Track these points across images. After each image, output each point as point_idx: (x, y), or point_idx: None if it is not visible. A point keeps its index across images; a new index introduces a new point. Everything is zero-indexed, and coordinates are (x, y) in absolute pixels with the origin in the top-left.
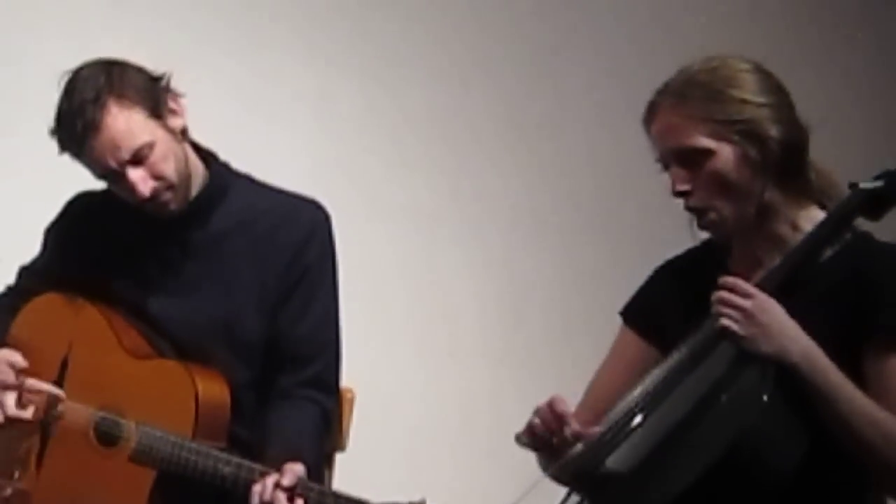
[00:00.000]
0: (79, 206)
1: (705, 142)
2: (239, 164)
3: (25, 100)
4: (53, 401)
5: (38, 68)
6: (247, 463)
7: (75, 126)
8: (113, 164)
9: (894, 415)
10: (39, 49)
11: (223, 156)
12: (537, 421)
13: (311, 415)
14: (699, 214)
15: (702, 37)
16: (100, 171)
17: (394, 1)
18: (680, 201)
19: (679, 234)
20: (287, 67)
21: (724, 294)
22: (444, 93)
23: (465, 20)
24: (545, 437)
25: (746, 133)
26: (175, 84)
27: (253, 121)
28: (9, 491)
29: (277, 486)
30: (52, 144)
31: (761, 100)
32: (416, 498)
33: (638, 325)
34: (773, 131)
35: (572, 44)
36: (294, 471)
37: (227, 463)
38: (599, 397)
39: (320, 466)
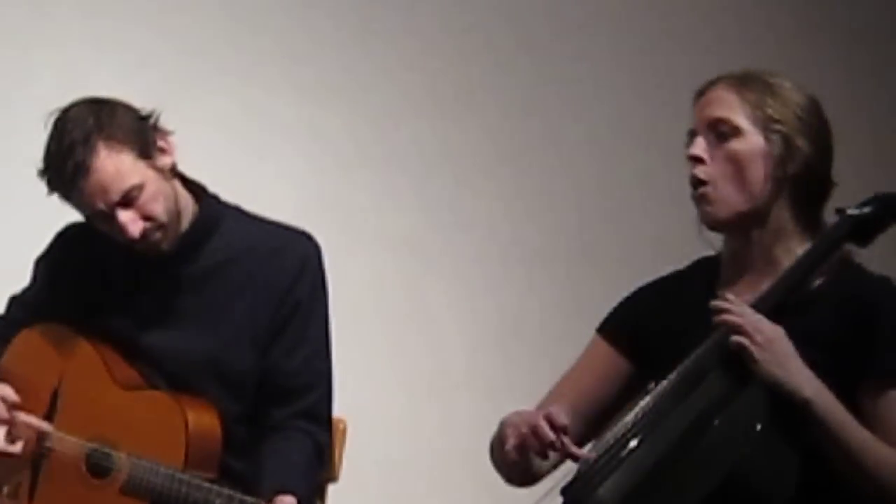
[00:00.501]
0: (69, 238)
1: (742, 121)
2: (227, 198)
3: (15, 138)
4: (44, 435)
5: (27, 107)
6: (238, 495)
7: (65, 168)
8: (102, 206)
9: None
10: (28, 89)
11: (211, 189)
12: (527, 431)
13: (304, 447)
14: (699, 185)
15: (690, 67)
16: (89, 212)
17: (380, 36)
18: (668, 237)
19: (666, 266)
20: (274, 102)
21: (739, 319)
22: (431, 126)
23: (450, 55)
24: (535, 449)
25: (781, 134)
26: (164, 119)
27: (240, 155)
28: None
29: None
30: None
31: (807, 118)
32: None
33: (613, 336)
34: (805, 147)
35: (558, 76)
36: (285, 503)
37: (219, 495)
38: (562, 400)
39: (312, 499)
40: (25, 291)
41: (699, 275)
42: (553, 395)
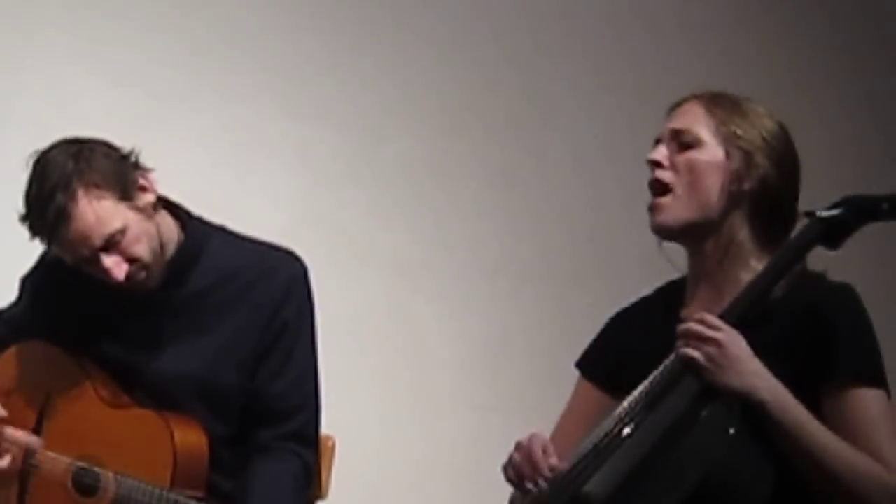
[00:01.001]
0: (55, 258)
1: (704, 133)
2: (215, 218)
3: (3, 157)
4: (31, 451)
5: (16, 127)
6: None
7: (46, 215)
8: (85, 252)
9: (857, 450)
10: (17, 108)
11: (199, 210)
12: (517, 455)
13: (292, 468)
14: (656, 191)
15: (677, 86)
16: (72, 258)
17: (370, 55)
18: (655, 255)
19: (653, 284)
20: (261, 120)
21: (693, 325)
22: (418, 145)
23: (441, 74)
24: (524, 471)
25: (742, 151)
26: (151, 138)
27: (227, 173)
28: None
29: None
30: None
31: (772, 141)
32: None
33: (594, 375)
34: (764, 167)
35: (545, 95)
36: None
37: None
38: (560, 448)
39: None
40: (10, 309)
41: (664, 298)
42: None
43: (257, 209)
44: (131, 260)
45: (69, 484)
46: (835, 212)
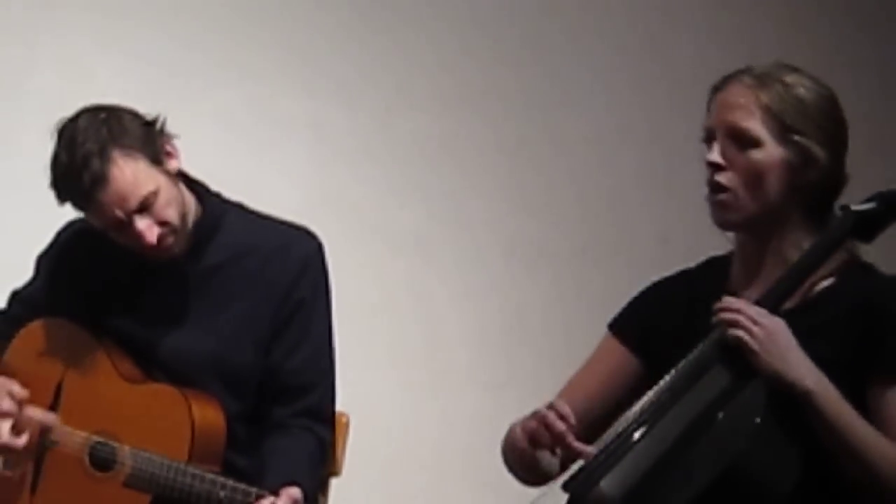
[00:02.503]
0: (71, 235)
1: (762, 132)
2: (231, 196)
3: (19, 132)
4: (47, 429)
5: (31, 102)
6: (242, 486)
7: (81, 180)
8: (121, 214)
9: None
10: (32, 83)
11: (215, 188)
12: (536, 423)
13: (307, 444)
14: (717, 191)
15: (692, 63)
16: (105, 222)
17: (385, 32)
18: (670, 232)
19: (668, 261)
20: (278, 98)
21: (738, 314)
22: (434, 123)
23: (455, 51)
24: (545, 440)
25: (800, 145)
26: (166, 116)
27: (243, 151)
28: None
29: None
30: (46, 171)
31: (825, 123)
32: None
33: (624, 335)
34: (824, 158)
35: (561, 72)
36: (290, 493)
37: (223, 487)
38: (573, 398)
39: (316, 496)
40: (26, 287)
41: (709, 275)
42: (564, 393)
43: (273, 187)
44: (162, 223)
45: (86, 459)
46: (869, 206)
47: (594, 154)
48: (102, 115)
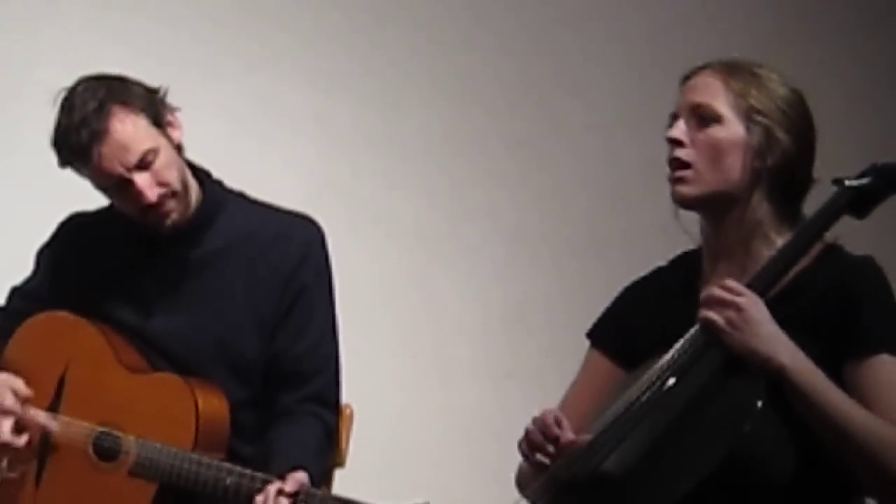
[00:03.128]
0: (72, 227)
1: (724, 109)
2: (233, 185)
3: (22, 124)
4: (48, 433)
5: (34, 93)
6: (249, 472)
7: (80, 136)
8: (120, 169)
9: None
10: (35, 74)
11: (217, 176)
12: (533, 428)
13: (314, 430)
14: (677, 167)
15: (695, 53)
16: (104, 180)
17: (387, 24)
18: (673, 223)
19: (672, 252)
20: (281, 89)
21: (716, 290)
22: (437, 114)
23: (457, 42)
24: (541, 445)
25: (762, 125)
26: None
27: (247, 142)
28: None
29: (280, 492)
30: (49, 165)
31: (790, 112)
32: (420, 500)
33: (606, 346)
34: (785, 140)
35: (565, 65)
36: (296, 478)
37: (230, 473)
38: (569, 419)
39: (322, 480)
40: (27, 282)
41: (681, 269)
42: None
43: (277, 178)
44: (162, 184)
45: (90, 450)
46: (863, 181)
47: (598, 144)
48: (104, 79)
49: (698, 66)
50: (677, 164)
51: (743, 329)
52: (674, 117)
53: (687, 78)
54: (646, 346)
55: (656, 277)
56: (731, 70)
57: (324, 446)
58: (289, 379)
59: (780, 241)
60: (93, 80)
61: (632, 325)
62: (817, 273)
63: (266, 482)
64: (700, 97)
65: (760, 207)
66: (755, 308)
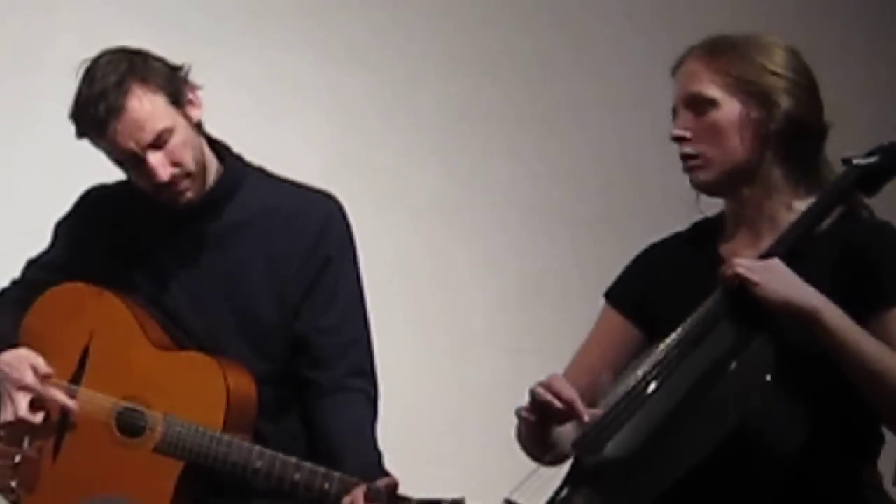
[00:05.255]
0: (91, 200)
1: (714, 91)
2: (250, 160)
3: (39, 98)
4: (67, 411)
5: (51, 68)
6: (281, 456)
7: (98, 109)
8: (134, 146)
9: None
10: (52, 49)
11: (235, 151)
12: (545, 393)
13: (366, 410)
14: (688, 160)
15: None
16: (118, 155)
17: None
18: (689, 197)
19: (687, 223)
20: (297, 64)
21: (736, 259)
22: (456, 88)
23: (475, 16)
24: (552, 405)
25: (756, 94)
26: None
27: (263, 117)
28: (17, 458)
29: (366, 498)
30: (67, 138)
31: (781, 71)
32: (457, 496)
33: (623, 305)
34: (783, 102)
35: (582, 38)
36: (389, 484)
37: (261, 455)
38: (579, 375)
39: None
40: (44, 254)
41: (701, 235)
42: (569, 370)
43: (292, 153)
44: (176, 163)
45: (112, 424)
46: (872, 159)
47: (613, 118)
48: (127, 54)
49: (682, 55)
50: (687, 157)
51: (773, 280)
52: (674, 112)
53: (675, 69)
54: (662, 307)
55: (675, 241)
56: (711, 49)
57: (375, 420)
58: (325, 352)
59: (798, 202)
60: (116, 54)
61: (648, 286)
62: (834, 235)
63: (296, 467)
64: (689, 86)
65: (774, 172)
66: (779, 264)
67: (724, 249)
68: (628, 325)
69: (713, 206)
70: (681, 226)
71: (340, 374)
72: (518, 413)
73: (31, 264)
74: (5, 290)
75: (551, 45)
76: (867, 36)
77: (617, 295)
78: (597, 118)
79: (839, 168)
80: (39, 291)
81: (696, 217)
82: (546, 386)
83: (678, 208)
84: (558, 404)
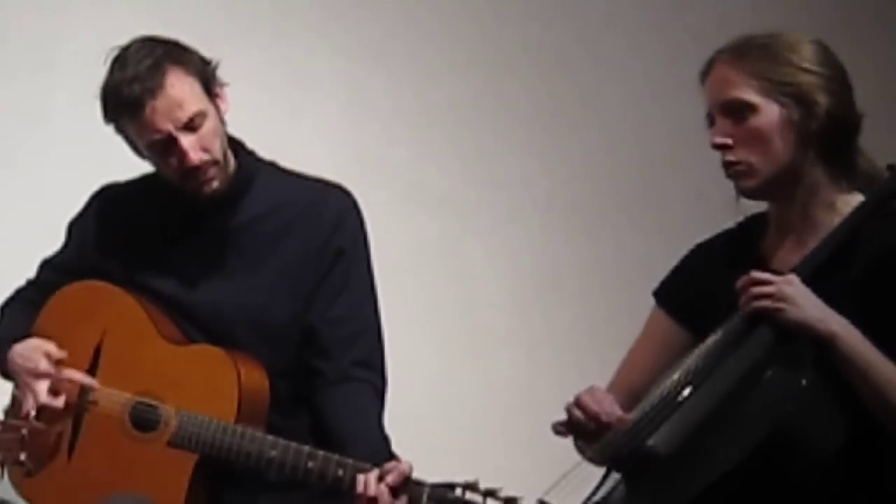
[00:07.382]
0: (104, 199)
1: (752, 97)
2: (265, 155)
3: (55, 94)
4: (86, 390)
5: (67, 64)
6: (294, 445)
7: (132, 89)
8: (169, 126)
9: None
10: (68, 45)
11: (249, 146)
12: (578, 412)
13: (373, 401)
14: (730, 167)
15: (723, 21)
16: (150, 135)
17: None
18: (705, 191)
19: (703, 220)
20: (312, 59)
21: (752, 274)
22: (471, 83)
23: (491, 12)
24: (585, 426)
25: (794, 96)
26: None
27: (278, 112)
28: (24, 431)
29: (382, 480)
30: (81, 135)
31: (815, 68)
32: (470, 479)
33: (670, 306)
34: (822, 100)
35: (598, 33)
36: (401, 470)
37: (274, 446)
38: (630, 377)
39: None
40: (58, 254)
41: (747, 235)
42: (620, 371)
43: (308, 148)
44: (206, 149)
45: (126, 419)
46: None
47: (628, 112)
48: (160, 40)
49: (708, 59)
50: (730, 165)
51: (794, 301)
52: (710, 118)
53: (703, 75)
54: (713, 310)
55: (724, 240)
56: (741, 53)
57: (381, 412)
58: (333, 342)
59: (838, 201)
60: (149, 41)
61: (695, 286)
62: (871, 238)
63: (311, 455)
64: (725, 94)
65: (816, 171)
66: (797, 284)
67: (765, 250)
68: (675, 326)
69: (751, 206)
70: (696, 219)
71: (346, 365)
72: (554, 428)
73: (46, 264)
74: (21, 289)
75: (566, 40)
76: (882, 24)
77: (664, 295)
78: (612, 113)
79: (870, 155)
80: (53, 292)
81: (712, 210)
82: (576, 402)
83: (695, 202)
84: (588, 423)
